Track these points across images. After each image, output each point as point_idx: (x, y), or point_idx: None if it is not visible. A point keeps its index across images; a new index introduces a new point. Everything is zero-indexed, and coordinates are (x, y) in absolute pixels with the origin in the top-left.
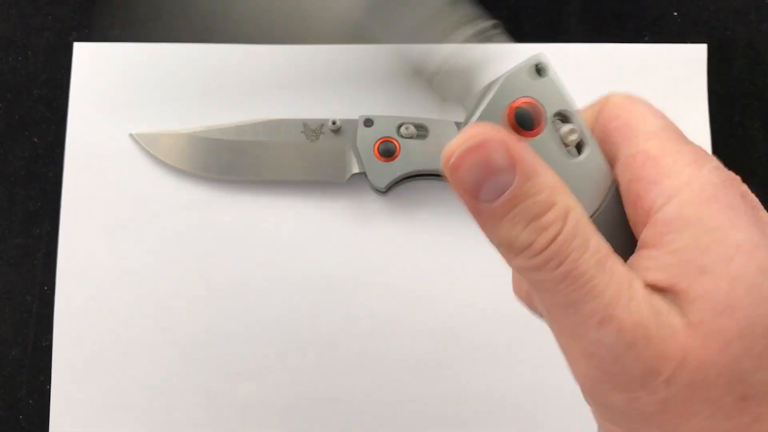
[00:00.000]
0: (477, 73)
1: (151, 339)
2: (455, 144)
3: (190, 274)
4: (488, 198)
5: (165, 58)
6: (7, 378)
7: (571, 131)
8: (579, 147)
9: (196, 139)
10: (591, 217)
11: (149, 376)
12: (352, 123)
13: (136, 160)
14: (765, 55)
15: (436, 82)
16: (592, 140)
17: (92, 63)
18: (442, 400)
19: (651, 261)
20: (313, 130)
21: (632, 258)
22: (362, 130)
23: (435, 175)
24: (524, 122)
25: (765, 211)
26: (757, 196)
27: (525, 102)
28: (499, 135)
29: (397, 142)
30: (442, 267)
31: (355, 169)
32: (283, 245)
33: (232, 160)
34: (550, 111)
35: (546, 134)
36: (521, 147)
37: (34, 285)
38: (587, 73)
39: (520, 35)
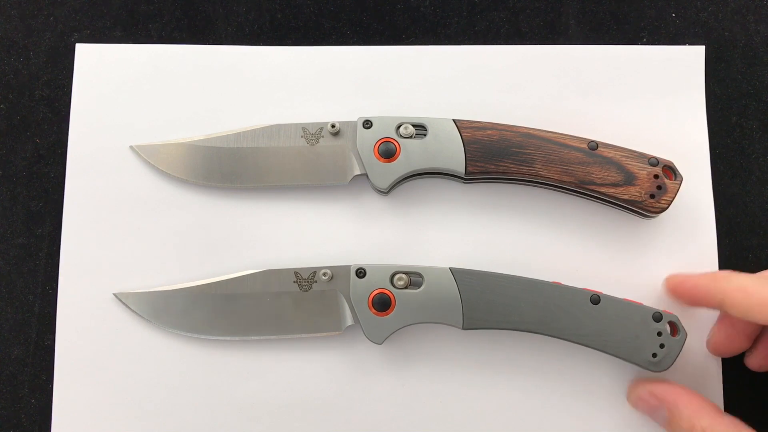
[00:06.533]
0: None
1: (153, 339)
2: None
3: (194, 279)
4: (661, 422)
5: (166, 58)
6: (10, 377)
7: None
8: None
9: (197, 148)
10: None
11: (150, 375)
12: (351, 125)
13: (138, 160)
14: (763, 57)
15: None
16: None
17: (94, 64)
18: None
19: None
20: (312, 133)
21: None
22: (362, 131)
23: (436, 174)
24: None
25: None
26: (755, 197)
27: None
28: (647, 388)
29: (397, 142)
30: (447, 263)
31: (357, 171)
32: (288, 249)
33: (233, 168)
34: None
35: None
36: (663, 389)
37: (36, 284)
38: (586, 74)
39: (519, 36)
